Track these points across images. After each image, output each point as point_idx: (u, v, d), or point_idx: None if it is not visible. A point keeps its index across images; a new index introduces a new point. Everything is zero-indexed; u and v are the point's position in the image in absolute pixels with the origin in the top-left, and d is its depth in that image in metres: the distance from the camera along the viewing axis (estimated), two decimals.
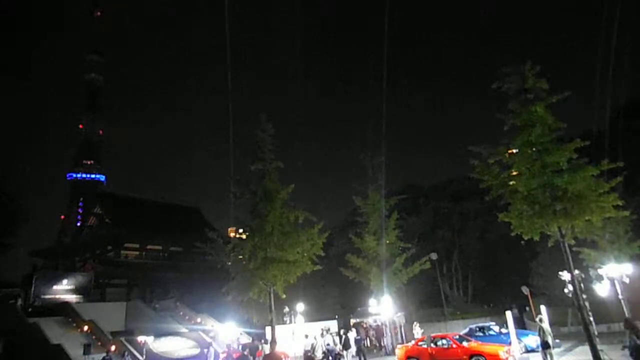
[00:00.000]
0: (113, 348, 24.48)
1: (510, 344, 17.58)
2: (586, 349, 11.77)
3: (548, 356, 13.98)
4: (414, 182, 48.30)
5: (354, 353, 21.28)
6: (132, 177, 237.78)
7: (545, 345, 14.10)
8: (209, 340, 27.54)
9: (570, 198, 11.68)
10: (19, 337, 26.01)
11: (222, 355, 23.52)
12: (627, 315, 19.58)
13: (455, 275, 38.39)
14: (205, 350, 21.02)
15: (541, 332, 14.30)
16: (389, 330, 24.16)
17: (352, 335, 22.05)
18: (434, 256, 27.78)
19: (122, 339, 26.43)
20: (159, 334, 27.74)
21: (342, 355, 20.82)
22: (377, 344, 27.37)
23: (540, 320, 14.76)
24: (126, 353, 23.56)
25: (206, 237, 16.40)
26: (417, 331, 24.57)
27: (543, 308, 21.94)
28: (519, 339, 18.69)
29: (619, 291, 19.80)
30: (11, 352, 24.93)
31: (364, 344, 22.76)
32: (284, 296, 15.73)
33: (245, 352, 21.18)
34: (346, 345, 21.28)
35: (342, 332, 24.10)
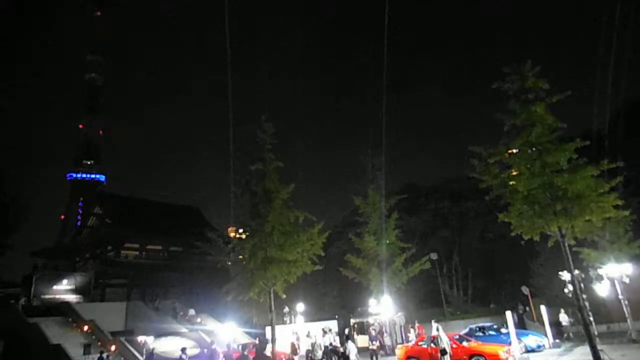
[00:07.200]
0: (113, 348, 24.47)
1: (510, 344, 17.57)
2: (586, 349, 11.77)
3: None
4: (413, 182, 48.29)
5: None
6: (132, 177, 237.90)
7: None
8: (188, 345, 25.72)
9: (570, 198, 11.67)
10: (19, 337, 26.00)
11: (220, 356, 23.48)
12: (627, 315, 19.64)
13: (455, 275, 38.35)
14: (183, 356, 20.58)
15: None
16: (389, 330, 24.10)
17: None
18: (433, 256, 27.79)
19: (122, 338, 26.43)
20: (159, 334, 27.74)
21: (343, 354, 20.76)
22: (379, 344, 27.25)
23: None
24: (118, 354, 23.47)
25: (206, 237, 16.38)
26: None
27: (543, 308, 21.98)
28: (519, 339, 18.67)
29: (619, 291, 19.81)
30: (11, 352, 24.94)
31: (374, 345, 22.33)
32: (284, 296, 15.69)
33: (246, 352, 21.13)
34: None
35: (346, 331, 24.08)
